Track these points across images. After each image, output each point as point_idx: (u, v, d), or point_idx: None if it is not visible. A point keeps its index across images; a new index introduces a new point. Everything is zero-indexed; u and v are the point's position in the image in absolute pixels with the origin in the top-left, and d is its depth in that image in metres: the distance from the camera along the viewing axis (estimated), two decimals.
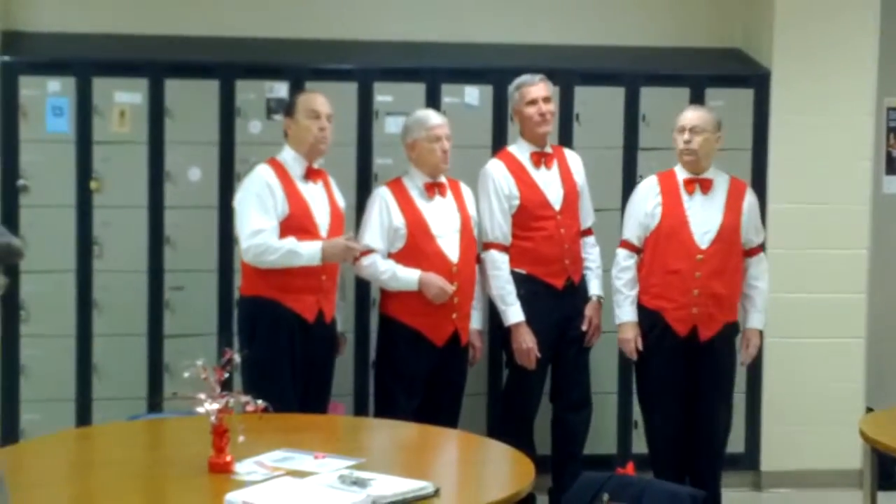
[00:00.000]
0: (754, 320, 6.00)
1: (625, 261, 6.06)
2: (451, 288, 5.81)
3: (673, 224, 5.93)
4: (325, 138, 5.71)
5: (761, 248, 6.09)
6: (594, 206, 6.34)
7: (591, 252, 6.24)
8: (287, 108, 5.84)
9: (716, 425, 6.09)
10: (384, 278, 5.86)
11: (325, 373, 5.81)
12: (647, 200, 6.00)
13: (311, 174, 5.72)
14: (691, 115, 5.98)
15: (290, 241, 5.54)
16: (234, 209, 5.74)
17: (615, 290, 6.07)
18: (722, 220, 5.93)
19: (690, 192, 5.95)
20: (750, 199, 6.03)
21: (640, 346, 6.02)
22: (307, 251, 5.55)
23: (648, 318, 6.00)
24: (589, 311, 6.18)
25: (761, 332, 6.11)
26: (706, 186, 5.95)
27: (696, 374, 5.97)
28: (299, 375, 5.64)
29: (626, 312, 6.04)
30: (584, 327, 6.16)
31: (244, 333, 5.67)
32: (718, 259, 5.90)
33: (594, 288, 6.22)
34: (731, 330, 6.04)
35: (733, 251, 5.96)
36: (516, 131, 6.22)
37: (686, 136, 5.92)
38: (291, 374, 5.61)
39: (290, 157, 5.72)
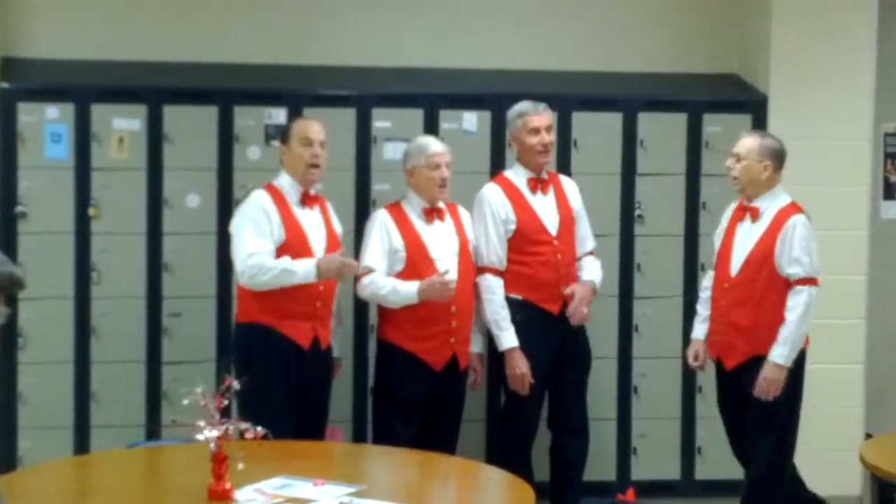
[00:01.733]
0: (771, 352, 5.70)
1: (705, 280, 6.05)
2: (450, 279, 5.74)
3: (721, 252, 5.92)
4: (319, 165, 5.72)
5: (800, 280, 5.71)
6: (593, 232, 6.34)
7: (592, 263, 6.22)
8: (282, 135, 5.86)
9: (754, 457, 5.88)
10: (384, 293, 5.83)
11: (321, 399, 5.80)
12: (719, 227, 6.00)
13: (307, 200, 5.73)
14: (739, 142, 5.90)
15: (285, 261, 5.55)
16: (230, 234, 5.74)
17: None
18: (752, 248, 5.78)
19: (740, 220, 5.88)
20: (787, 226, 5.73)
21: (696, 361, 5.98)
22: (302, 268, 5.55)
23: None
24: (577, 285, 6.12)
25: (781, 367, 5.71)
26: (754, 215, 5.84)
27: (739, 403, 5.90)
28: (295, 402, 5.64)
29: (693, 330, 6.04)
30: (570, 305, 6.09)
31: (240, 360, 5.67)
32: (742, 289, 5.77)
33: (587, 276, 6.17)
34: (757, 363, 5.75)
35: (763, 281, 5.73)
36: (514, 157, 6.22)
37: (729, 162, 5.89)
38: (287, 401, 5.61)
39: (286, 182, 5.73)
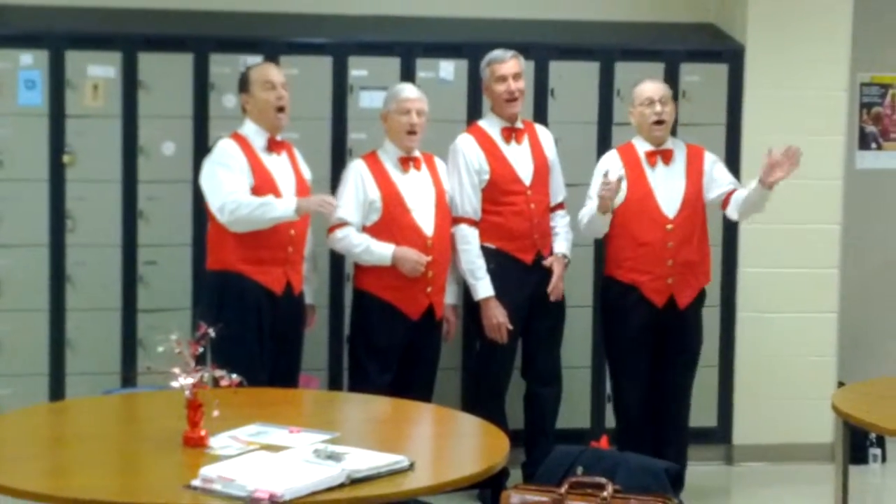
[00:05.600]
0: (752, 187, 5.92)
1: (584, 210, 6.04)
2: (425, 259, 5.80)
3: (639, 197, 5.95)
4: (284, 107, 5.70)
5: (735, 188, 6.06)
6: (568, 181, 6.35)
7: (560, 221, 6.23)
8: (241, 84, 5.81)
9: (685, 395, 6.18)
10: (358, 251, 5.85)
11: (294, 345, 5.80)
12: (603, 176, 5.93)
13: (274, 146, 5.71)
14: (658, 87, 6.01)
15: (266, 197, 5.54)
16: (201, 186, 5.71)
17: (584, 221, 6.03)
18: (685, 187, 5.97)
19: (653, 164, 5.98)
20: (710, 159, 6.08)
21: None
22: (282, 203, 5.53)
23: (622, 291, 6.01)
24: (552, 261, 6.15)
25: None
26: (667, 157, 5.99)
27: (666, 344, 6.02)
28: (268, 348, 5.63)
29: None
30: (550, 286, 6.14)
31: (212, 308, 5.62)
32: (687, 227, 5.96)
33: (559, 247, 6.20)
34: (703, 296, 6.13)
35: (699, 217, 6.02)
36: (488, 106, 6.21)
37: (658, 107, 5.94)
38: (260, 348, 5.60)
39: (251, 130, 5.70)
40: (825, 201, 6.87)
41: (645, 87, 6.00)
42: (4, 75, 6.16)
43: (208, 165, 5.68)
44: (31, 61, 6.19)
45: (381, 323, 5.88)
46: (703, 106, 6.65)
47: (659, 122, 5.96)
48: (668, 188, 5.97)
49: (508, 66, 6.05)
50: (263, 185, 5.59)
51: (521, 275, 6.07)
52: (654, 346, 6.03)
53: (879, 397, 5.14)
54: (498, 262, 6.03)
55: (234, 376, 4.14)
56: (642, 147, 6.02)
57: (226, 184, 5.54)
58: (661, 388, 6.09)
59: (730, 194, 6.03)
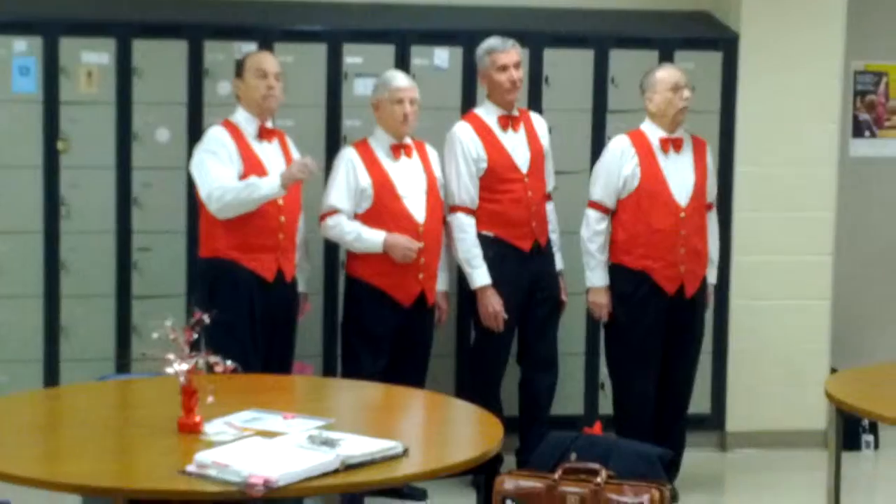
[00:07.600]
0: (712, 275, 6.20)
1: (597, 224, 6.01)
2: (416, 246, 5.80)
3: (652, 184, 5.95)
4: (274, 96, 5.69)
5: (712, 204, 6.22)
6: (563, 169, 6.36)
7: (551, 220, 6.24)
8: (236, 69, 5.81)
9: (689, 383, 6.23)
10: (349, 239, 5.85)
11: (287, 332, 5.81)
12: (622, 161, 5.97)
13: (264, 133, 5.71)
14: (681, 73, 6.00)
15: (249, 178, 5.53)
16: (191, 174, 5.72)
17: (587, 252, 6.04)
18: (695, 177, 6.00)
19: (666, 151, 5.97)
20: (710, 157, 6.15)
21: (611, 309, 6.04)
22: (267, 181, 5.53)
23: (633, 279, 6.00)
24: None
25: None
26: (678, 145, 6.00)
27: (675, 332, 6.03)
28: (261, 335, 5.64)
29: (598, 277, 6.03)
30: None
31: (203, 295, 5.62)
32: (697, 216, 6.00)
33: (558, 262, 6.26)
34: (705, 285, 6.18)
35: (703, 207, 6.07)
36: (484, 93, 6.21)
37: (686, 93, 5.94)
38: (252, 334, 5.61)
39: (242, 117, 5.70)
40: (819, 189, 6.88)
41: (671, 73, 5.99)
42: None
43: (197, 154, 5.68)
44: (24, 48, 6.18)
45: (373, 310, 5.89)
46: (697, 94, 6.61)
47: (685, 110, 5.96)
48: (679, 176, 5.98)
49: (509, 55, 6.05)
50: (253, 172, 5.58)
51: (519, 263, 6.08)
52: (665, 335, 6.04)
53: (872, 384, 5.15)
54: (496, 250, 6.03)
55: (229, 362, 4.15)
56: (655, 133, 6.00)
57: (212, 172, 5.54)
58: (666, 377, 6.10)
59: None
